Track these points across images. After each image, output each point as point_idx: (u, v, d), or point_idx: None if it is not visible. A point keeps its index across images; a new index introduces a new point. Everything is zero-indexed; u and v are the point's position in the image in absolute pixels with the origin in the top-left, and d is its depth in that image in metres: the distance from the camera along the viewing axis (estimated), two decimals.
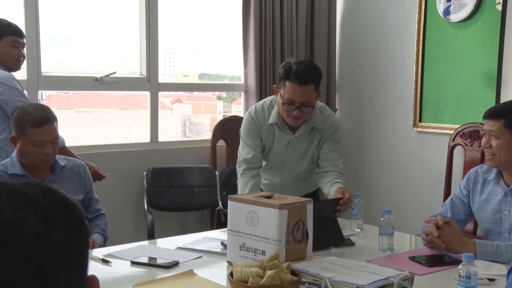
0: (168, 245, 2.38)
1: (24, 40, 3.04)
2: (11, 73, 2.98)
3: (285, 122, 2.72)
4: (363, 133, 4.48)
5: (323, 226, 2.28)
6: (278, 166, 2.85)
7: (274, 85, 2.73)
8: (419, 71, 4.03)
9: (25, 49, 3.06)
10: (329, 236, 2.31)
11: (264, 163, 2.87)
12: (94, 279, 0.78)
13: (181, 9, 4.21)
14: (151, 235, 3.52)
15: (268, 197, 2.13)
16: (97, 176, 3.03)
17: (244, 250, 2.05)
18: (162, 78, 4.10)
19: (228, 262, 2.11)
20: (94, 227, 2.61)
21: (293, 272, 1.77)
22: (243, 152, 2.77)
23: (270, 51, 4.17)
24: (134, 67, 3.96)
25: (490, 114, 2.29)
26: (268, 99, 2.82)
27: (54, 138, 2.44)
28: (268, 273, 1.69)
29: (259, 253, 2.00)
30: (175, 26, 4.17)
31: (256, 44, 4.10)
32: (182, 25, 4.25)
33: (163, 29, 3.95)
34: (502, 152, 2.23)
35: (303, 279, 1.79)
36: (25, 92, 3.49)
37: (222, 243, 2.30)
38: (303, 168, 2.85)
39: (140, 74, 3.96)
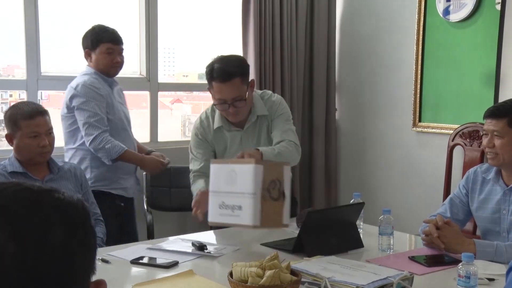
0: (175, 247, 2.37)
1: (122, 46, 3.09)
2: (111, 78, 3.13)
3: (230, 122, 2.71)
4: (363, 133, 4.49)
5: (344, 230, 2.30)
6: None
7: (207, 87, 2.67)
8: (419, 71, 4.03)
9: (123, 54, 3.11)
10: (349, 240, 2.32)
11: None
12: (101, 283, 0.78)
13: (181, 9, 4.21)
14: (151, 235, 3.52)
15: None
16: (162, 165, 3.21)
17: (224, 208, 2.17)
18: (162, 78, 4.10)
19: (209, 223, 2.27)
20: None
21: (293, 272, 1.78)
22: (192, 165, 2.77)
23: (270, 51, 4.17)
24: (134, 67, 3.96)
25: (492, 113, 2.26)
26: (210, 106, 2.79)
27: (48, 129, 2.49)
28: (268, 273, 1.69)
29: (236, 209, 2.13)
30: (175, 26, 4.17)
31: (256, 44, 4.10)
32: (182, 25, 4.25)
33: (162, 29, 3.95)
34: (505, 151, 2.22)
35: (302, 279, 1.79)
36: (24, 92, 3.51)
37: (193, 244, 2.30)
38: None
39: (140, 74, 3.96)
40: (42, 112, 2.48)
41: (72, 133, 3.05)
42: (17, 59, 3.57)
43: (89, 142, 2.95)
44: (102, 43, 3.03)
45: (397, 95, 4.22)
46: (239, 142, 2.75)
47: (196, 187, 2.69)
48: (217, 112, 2.71)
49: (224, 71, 2.53)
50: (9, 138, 2.48)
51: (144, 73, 3.93)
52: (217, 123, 2.72)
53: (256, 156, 2.39)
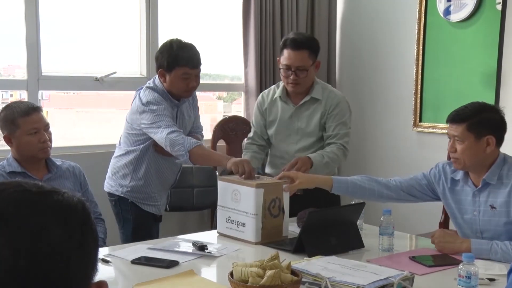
0: (175, 246, 2.37)
1: (199, 70, 2.80)
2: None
3: (287, 95, 2.97)
4: (363, 133, 4.48)
5: (344, 230, 2.30)
6: (284, 141, 2.98)
7: (278, 58, 2.98)
8: (419, 71, 4.03)
9: (199, 76, 2.83)
10: (350, 240, 2.32)
11: (274, 149, 3.03)
12: (103, 284, 0.78)
13: (181, 9, 4.21)
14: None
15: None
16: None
17: (230, 222, 2.45)
18: None
19: (218, 232, 2.50)
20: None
21: (293, 272, 1.77)
22: (251, 131, 3.10)
23: (270, 51, 4.17)
24: (134, 67, 3.96)
25: (452, 119, 2.28)
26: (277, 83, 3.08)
27: (46, 125, 2.50)
28: (268, 273, 1.69)
29: (241, 225, 2.39)
30: (175, 26, 4.16)
31: (257, 44, 4.10)
32: (182, 25, 4.24)
33: (163, 29, 3.95)
34: (466, 156, 2.23)
35: (303, 279, 1.79)
36: (25, 92, 3.51)
37: (194, 244, 2.30)
38: (310, 142, 2.95)
39: (140, 74, 3.95)
40: (37, 109, 2.50)
41: (131, 135, 2.88)
42: (18, 59, 3.57)
43: (166, 134, 2.63)
44: (178, 66, 2.73)
45: (398, 95, 4.22)
46: (289, 117, 2.96)
47: (244, 156, 3.01)
48: (280, 86, 2.99)
49: (297, 41, 2.84)
50: (8, 139, 2.48)
51: (144, 73, 3.93)
52: (276, 93, 3.00)
53: (306, 165, 2.68)
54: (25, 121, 2.42)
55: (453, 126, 2.26)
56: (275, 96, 3.00)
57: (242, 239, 2.38)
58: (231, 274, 1.76)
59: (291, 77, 2.86)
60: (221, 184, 2.51)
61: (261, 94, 3.12)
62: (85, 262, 0.74)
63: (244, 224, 2.38)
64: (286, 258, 1.87)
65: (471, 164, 2.24)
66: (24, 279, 0.67)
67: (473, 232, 2.30)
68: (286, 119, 2.98)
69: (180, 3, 4.20)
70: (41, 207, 0.71)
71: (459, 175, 2.34)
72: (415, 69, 4.05)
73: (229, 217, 2.45)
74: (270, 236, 2.36)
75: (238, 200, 2.40)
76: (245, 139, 3.11)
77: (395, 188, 2.48)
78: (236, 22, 4.19)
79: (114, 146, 3.83)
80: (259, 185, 2.34)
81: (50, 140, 2.51)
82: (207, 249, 2.27)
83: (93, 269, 0.76)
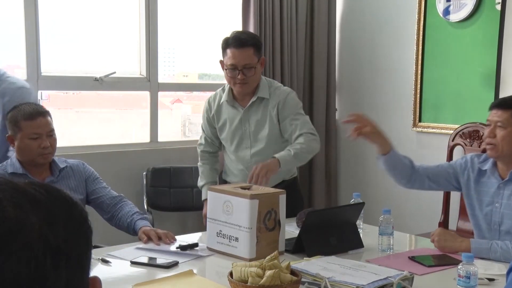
0: (167, 246, 2.37)
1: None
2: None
3: (234, 98, 2.86)
4: None
5: (344, 230, 2.30)
6: (238, 146, 2.91)
7: (220, 60, 2.85)
8: (419, 71, 4.03)
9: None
10: (349, 240, 2.32)
11: (229, 156, 2.95)
12: (96, 279, 0.77)
13: (181, 9, 4.21)
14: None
15: (246, 188, 2.28)
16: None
17: (221, 236, 2.23)
18: (162, 78, 4.10)
19: (208, 248, 2.28)
20: (129, 216, 2.55)
21: (293, 272, 1.78)
22: (201, 137, 3.05)
23: (270, 51, 4.17)
24: (134, 67, 3.96)
25: (499, 104, 2.32)
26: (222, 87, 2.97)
27: (50, 131, 2.46)
28: (268, 273, 1.69)
29: (233, 240, 2.18)
30: (175, 26, 4.17)
31: None
32: (182, 25, 4.24)
33: (163, 29, 3.95)
34: (505, 143, 2.25)
35: (302, 279, 1.79)
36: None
37: (180, 246, 2.31)
38: (264, 144, 2.85)
39: (140, 74, 3.96)
40: (43, 113, 2.46)
41: None
42: (17, 59, 3.57)
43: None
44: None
45: (397, 95, 4.22)
46: (239, 121, 2.86)
47: (201, 184, 2.96)
48: (226, 89, 2.88)
49: (240, 39, 2.75)
50: (11, 139, 2.47)
51: (144, 73, 3.93)
52: (223, 98, 2.88)
53: (271, 166, 2.56)
54: (27, 125, 2.41)
55: (498, 112, 2.29)
56: (221, 101, 2.88)
57: (234, 255, 2.17)
58: (231, 274, 1.77)
59: (239, 76, 2.73)
60: (211, 195, 2.29)
61: (207, 99, 2.99)
62: (88, 257, 0.73)
63: (237, 239, 2.17)
64: (286, 258, 1.87)
65: (508, 152, 2.26)
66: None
67: (489, 224, 2.32)
68: (236, 123, 2.86)
69: (179, 4, 4.20)
70: (51, 197, 0.72)
71: (487, 165, 2.36)
72: (414, 69, 4.05)
73: (220, 231, 2.23)
74: (265, 252, 2.04)
75: (230, 212, 2.19)
76: (197, 143, 3.05)
77: (422, 174, 2.49)
78: (235, 23, 4.19)
79: (113, 146, 3.85)
80: (253, 195, 2.13)
81: (53, 146, 2.47)
82: (197, 246, 2.29)
83: (89, 267, 0.75)
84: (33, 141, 2.42)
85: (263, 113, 2.83)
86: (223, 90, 2.91)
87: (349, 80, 4.59)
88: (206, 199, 2.69)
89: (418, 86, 4.04)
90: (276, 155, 2.65)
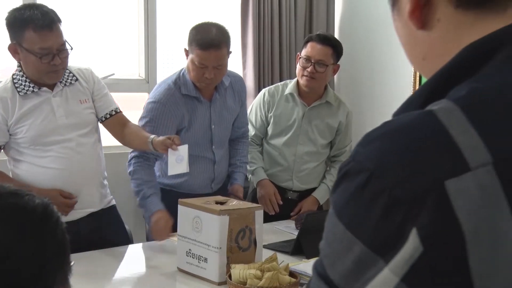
0: (167, 245, 2.37)
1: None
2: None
3: (299, 94, 2.88)
4: (362, 133, 4.44)
5: None
6: (292, 141, 2.92)
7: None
8: (418, 71, 4.03)
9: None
10: None
11: (269, 147, 2.97)
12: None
13: (179, 10, 4.22)
14: (150, 236, 3.51)
15: (220, 203, 2.05)
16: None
17: (190, 256, 2.00)
18: (161, 79, 4.09)
19: (178, 268, 2.06)
20: (237, 162, 2.74)
21: (292, 274, 1.78)
22: (251, 130, 3.02)
23: (269, 53, 4.17)
24: (133, 69, 3.96)
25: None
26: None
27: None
28: (267, 275, 1.69)
29: (202, 260, 1.95)
30: (174, 28, 4.17)
31: (255, 45, 4.10)
32: (181, 26, 4.25)
33: (161, 31, 3.95)
34: None
35: (301, 281, 1.79)
36: None
37: None
38: (317, 147, 2.93)
39: (139, 75, 3.96)
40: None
41: None
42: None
43: None
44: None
45: (397, 95, 4.22)
46: (302, 117, 2.88)
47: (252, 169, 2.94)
48: (293, 82, 2.93)
49: (324, 36, 2.90)
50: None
51: (143, 74, 3.94)
52: (287, 89, 2.91)
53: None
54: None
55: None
56: (286, 92, 2.90)
57: (203, 278, 1.97)
58: (230, 276, 1.77)
59: (309, 69, 2.77)
60: (181, 210, 2.06)
61: (265, 89, 3.01)
62: (43, 264, 0.73)
63: (205, 260, 1.94)
64: (284, 260, 1.87)
65: None
66: None
67: None
68: (297, 118, 2.88)
69: (178, 5, 4.21)
70: (19, 208, 0.72)
71: None
72: (413, 69, 4.05)
73: (189, 249, 2.00)
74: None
75: (199, 229, 1.96)
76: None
77: None
78: (234, 24, 4.19)
79: (113, 147, 3.85)
80: (223, 211, 1.90)
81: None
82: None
83: (55, 270, 0.75)
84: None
85: (325, 119, 2.92)
86: (285, 85, 2.96)
87: (348, 80, 4.59)
88: (261, 180, 2.81)
89: (417, 86, 4.04)
90: (316, 196, 2.88)
